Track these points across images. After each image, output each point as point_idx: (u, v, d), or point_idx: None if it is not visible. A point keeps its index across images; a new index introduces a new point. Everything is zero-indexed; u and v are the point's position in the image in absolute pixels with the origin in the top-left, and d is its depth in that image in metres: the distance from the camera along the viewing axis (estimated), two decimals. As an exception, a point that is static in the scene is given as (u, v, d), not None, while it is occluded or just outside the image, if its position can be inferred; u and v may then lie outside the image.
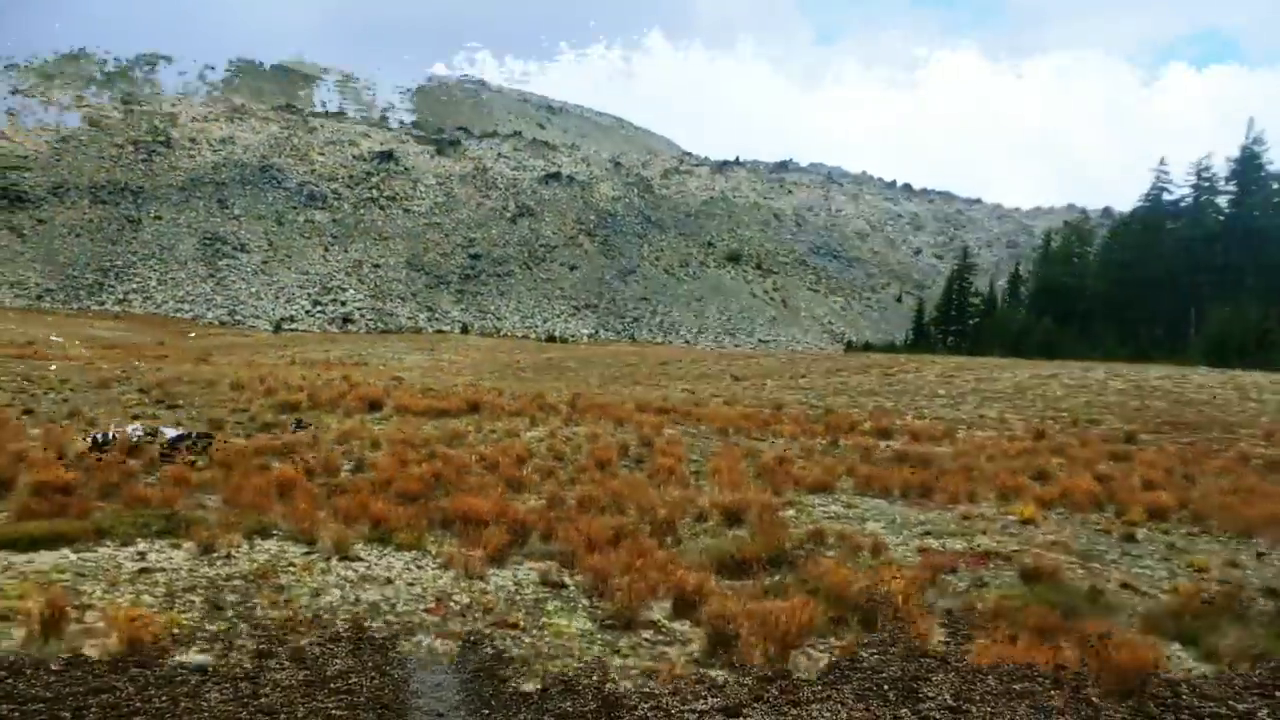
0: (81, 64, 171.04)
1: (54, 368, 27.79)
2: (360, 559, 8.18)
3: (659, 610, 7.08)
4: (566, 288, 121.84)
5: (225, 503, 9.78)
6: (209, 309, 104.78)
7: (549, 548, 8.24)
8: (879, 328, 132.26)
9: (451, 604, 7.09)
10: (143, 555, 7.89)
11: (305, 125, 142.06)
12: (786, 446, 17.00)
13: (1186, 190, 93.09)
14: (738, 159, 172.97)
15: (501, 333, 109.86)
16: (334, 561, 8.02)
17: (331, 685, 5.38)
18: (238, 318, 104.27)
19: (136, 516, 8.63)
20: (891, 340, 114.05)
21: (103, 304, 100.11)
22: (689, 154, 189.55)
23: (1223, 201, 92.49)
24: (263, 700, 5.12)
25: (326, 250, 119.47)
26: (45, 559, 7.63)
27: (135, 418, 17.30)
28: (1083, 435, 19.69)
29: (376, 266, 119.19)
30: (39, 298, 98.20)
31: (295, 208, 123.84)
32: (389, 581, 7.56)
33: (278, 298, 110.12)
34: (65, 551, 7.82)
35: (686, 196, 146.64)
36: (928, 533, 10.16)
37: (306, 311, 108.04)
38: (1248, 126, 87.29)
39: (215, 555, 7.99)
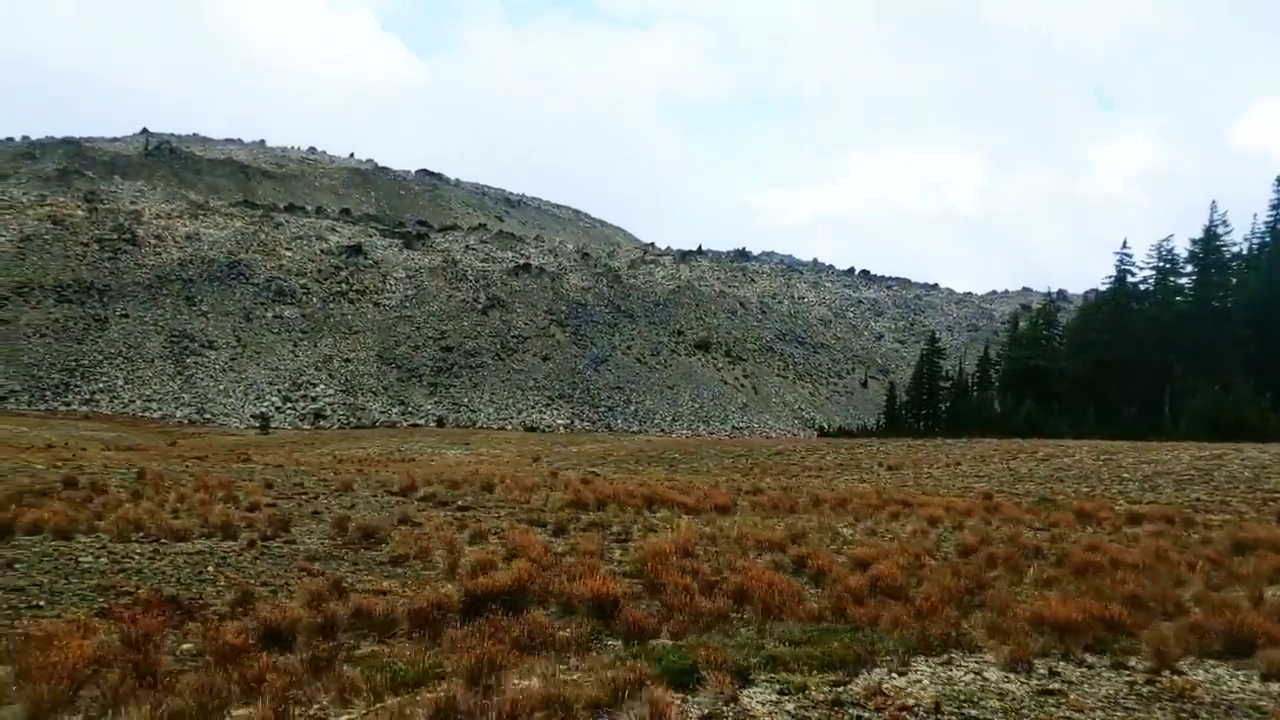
0: (36, 161, 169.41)
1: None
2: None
3: None
4: (540, 378, 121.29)
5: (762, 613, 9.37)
6: (177, 407, 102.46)
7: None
8: (847, 412, 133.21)
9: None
10: (980, 674, 7.41)
11: (271, 221, 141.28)
12: (1097, 536, 16.74)
13: (1149, 272, 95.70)
14: (700, 248, 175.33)
15: (477, 425, 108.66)
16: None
17: None
18: (206, 416, 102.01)
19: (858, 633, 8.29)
20: (863, 424, 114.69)
21: (69, 404, 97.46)
22: (651, 244, 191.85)
23: (1185, 282, 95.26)
24: None
25: (296, 346, 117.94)
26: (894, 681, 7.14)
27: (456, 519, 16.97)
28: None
29: (347, 361, 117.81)
30: (2, 399, 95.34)
31: (264, 303, 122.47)
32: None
33: (247, 395, 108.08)
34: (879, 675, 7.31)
35: (654, 286, 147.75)
36: None
37: (277, 408, 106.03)
38: (1210, 209, 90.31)
39: (1035, 673, 7.55)
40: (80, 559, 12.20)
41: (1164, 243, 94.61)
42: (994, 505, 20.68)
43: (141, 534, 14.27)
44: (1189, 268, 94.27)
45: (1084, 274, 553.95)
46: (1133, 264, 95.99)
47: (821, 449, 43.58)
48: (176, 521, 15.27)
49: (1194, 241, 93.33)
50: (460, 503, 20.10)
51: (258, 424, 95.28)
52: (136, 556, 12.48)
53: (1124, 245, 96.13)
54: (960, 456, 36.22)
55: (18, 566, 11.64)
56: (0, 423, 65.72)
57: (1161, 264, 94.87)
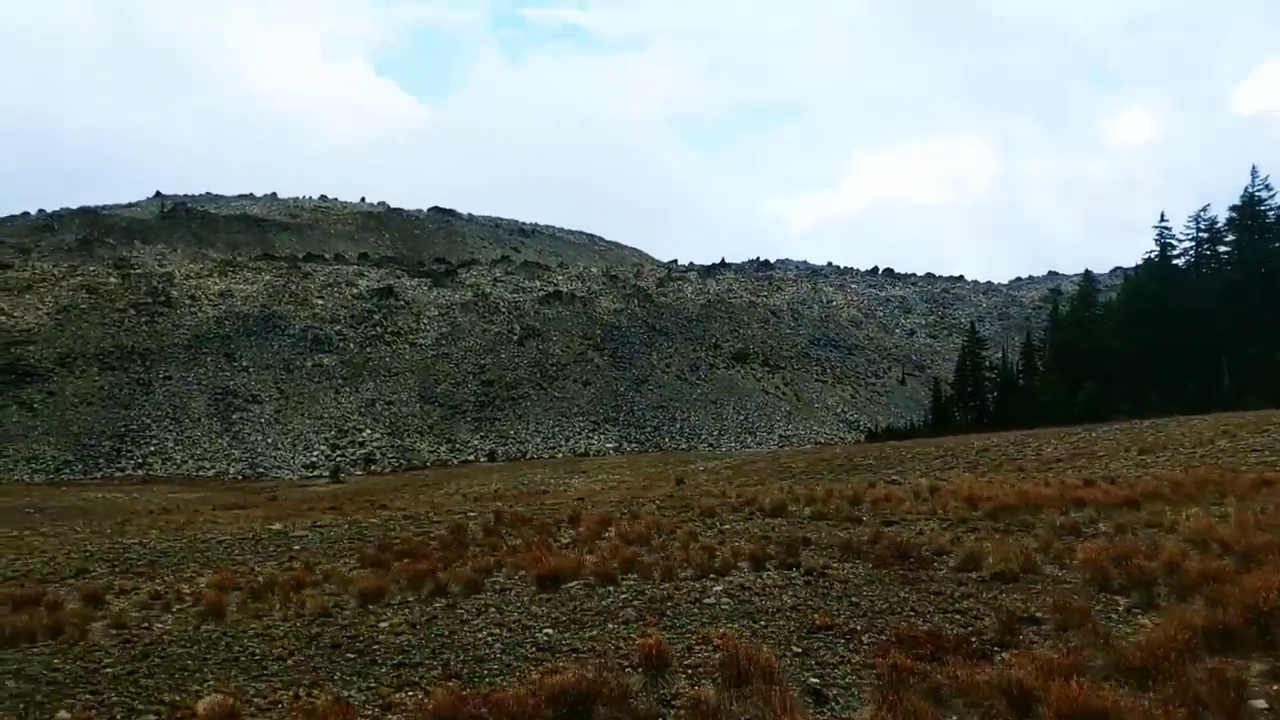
0: (55, 233, 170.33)
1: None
2: None
3: None
4: (583, 404, 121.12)
5: None
6: (229, 464, 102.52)
7: None
8: (889, 411, 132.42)
9: None
10: None
11: (298, 271, 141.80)
12: None
13: (1189, 244, 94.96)
14: (723, 261, 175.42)
15: (526, 456, 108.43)
16: None
17: None
18: (259, 470, 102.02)
19: None
20: (910, 423, 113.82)
21: (123, 470, 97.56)
22: (674, 261, 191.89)
23: (1224, 250, 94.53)
24: None
25: (338, 393, 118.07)
26: None
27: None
28: None
29: (390, 403, 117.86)
30: (58, 470, 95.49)
31: (302, 353, 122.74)
32: None
33: (295, 445, 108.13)
34: None
35: (685, 302, 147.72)
36: None
37: (326, 456, 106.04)
38: (1251, 174, 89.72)
39: None
40: (704, 600, 12.40)
41: (1202, 212, 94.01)
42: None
43: (693, 569, 14.50)
44: (1230, 236, 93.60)
45: (1102, 253, 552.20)
46: (1173, 236, 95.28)
47: (1032, 441, 43.00)
48: (682, 555, 15.64)
49: (1233, 209, 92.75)
50: (866, 518, 19.84)
51: (326, 474, 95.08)
52: (751, 595, 12.62)
53: (1162, 218, 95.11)
54: (1199, 437, 35.28)
55: (668, 612, 11.82)
56: (81, 493, 65.68)
57: (1201, 234, 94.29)
